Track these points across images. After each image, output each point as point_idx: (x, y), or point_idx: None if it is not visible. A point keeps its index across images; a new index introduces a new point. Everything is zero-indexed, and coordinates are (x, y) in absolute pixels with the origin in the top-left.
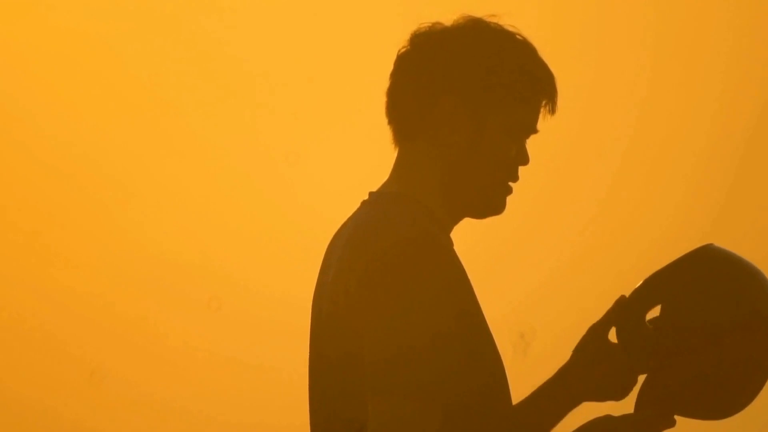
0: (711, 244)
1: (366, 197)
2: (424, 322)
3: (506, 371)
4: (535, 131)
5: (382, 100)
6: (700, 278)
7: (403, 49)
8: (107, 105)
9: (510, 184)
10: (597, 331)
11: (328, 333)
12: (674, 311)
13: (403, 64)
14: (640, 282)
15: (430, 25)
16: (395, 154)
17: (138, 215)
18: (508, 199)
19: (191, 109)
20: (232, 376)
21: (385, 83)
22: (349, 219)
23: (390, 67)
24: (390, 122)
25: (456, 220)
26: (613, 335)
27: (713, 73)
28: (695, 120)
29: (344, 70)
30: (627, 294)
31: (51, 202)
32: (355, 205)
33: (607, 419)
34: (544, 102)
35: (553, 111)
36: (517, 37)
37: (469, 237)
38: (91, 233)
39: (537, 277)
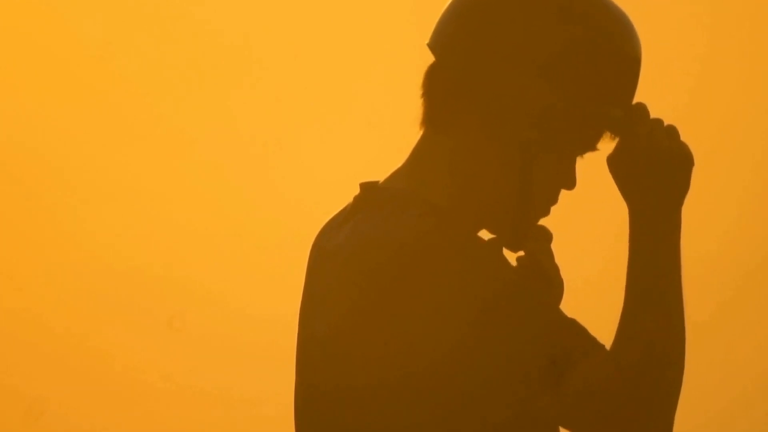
0: None
1: (366, 191)
2: (448, 337)
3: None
4: (593, 149)
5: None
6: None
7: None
8: (50, 82)
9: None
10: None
11: (326, 360)
12: None
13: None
14: None
15: None
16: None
17: (84, 214)
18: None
19: (151, 90)
20: (199, 408)
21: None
22: (343, 214)
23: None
24: (423, 96)
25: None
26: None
27: None
28: (752, 116)
29: (329, 50)
30: None
31: None
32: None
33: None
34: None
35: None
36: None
37: None
38: (27, 236)
39: (566, 290)
